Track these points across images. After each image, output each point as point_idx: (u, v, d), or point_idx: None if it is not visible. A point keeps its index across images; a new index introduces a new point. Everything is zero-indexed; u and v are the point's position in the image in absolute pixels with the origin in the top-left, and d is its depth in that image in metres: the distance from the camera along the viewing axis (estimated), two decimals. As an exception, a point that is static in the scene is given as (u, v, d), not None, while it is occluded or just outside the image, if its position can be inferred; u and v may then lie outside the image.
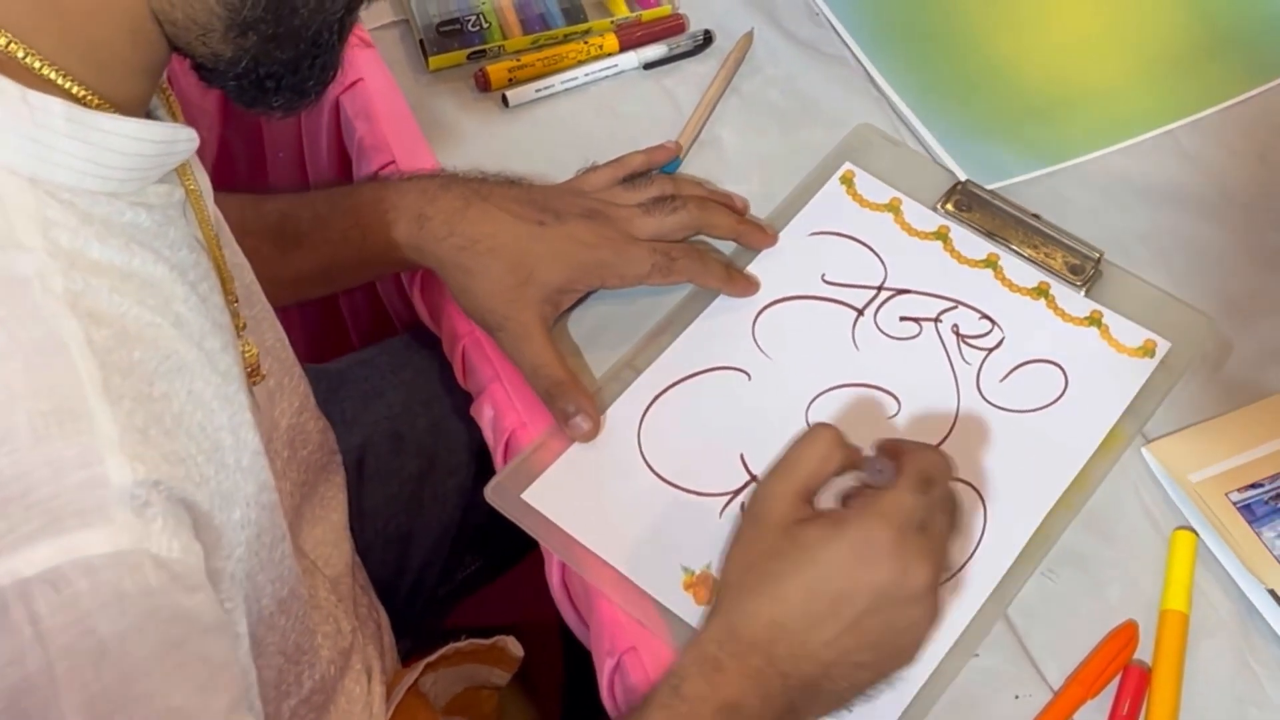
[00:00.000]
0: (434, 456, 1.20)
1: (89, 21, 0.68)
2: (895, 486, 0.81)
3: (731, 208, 1.07)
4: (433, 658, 1.11)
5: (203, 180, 0.80)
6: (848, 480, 0.85)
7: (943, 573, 0.82)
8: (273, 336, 0.96)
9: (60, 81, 0.67)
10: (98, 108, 0.68)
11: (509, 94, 1.14)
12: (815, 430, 0.84)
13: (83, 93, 0.68)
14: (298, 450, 1.02)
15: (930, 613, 0.81)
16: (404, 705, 1.07)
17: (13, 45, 0.65)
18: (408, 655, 1.13)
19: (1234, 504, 0.95)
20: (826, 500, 0.85)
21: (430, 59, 1.15)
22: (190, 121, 1.29)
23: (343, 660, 0.99)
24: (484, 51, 1.16)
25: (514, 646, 1.13)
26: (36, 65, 0.66)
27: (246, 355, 0.84)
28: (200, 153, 1.33)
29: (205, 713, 0.64)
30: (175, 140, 0.72)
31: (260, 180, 1.32)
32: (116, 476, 0.61)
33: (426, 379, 1.21)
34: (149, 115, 0.77)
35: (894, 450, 0.85)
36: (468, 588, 1.28)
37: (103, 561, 0.60)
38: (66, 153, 0.66)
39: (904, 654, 0.82)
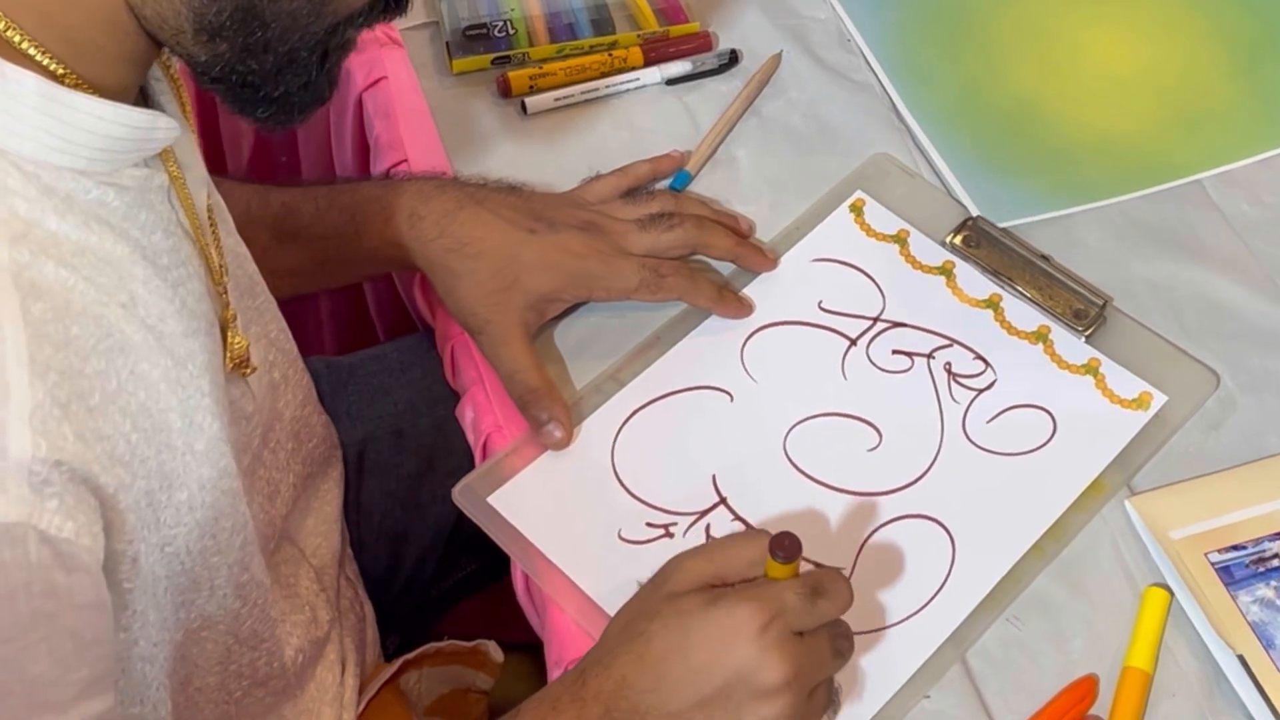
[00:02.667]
0: (433, 456, 1.20)
1: (67, 8, 0.69)
2: (783, 582, 0.79)
3: (734, 229, 1.06)
4: (411, 655, 1.12)
5: (193, 169, 0.81)
6: None
7: (803, 683, 0.78)
8: (276, 329, 0.97)
9: (39, 58, 0.68)
10: (75, 87, 0.69)
11: (528, 101, 1.14)
12: (752, 534, 0.82)
13: (61, 71, 0.69)
14: (303, 443, 1.03)
15: (780, 717, 0.78)
16: (379, 700, 1.08)
17: None
18: (395, 652, 1.14)
19: (1213, 564, 0.92)
20: None
21: (454, 62, 1.16)
22: (228, 116, 1.33)
23: (314, 650, 0.99)
24: (508, 58, 1.16)
25: (495, 652, 1.14)
26: (16, 39, 0.68)
27: (234, 346, 0.85)
28: (237, 144, 1.36)
29: (60, 685, 0.65)
30: (153, 127, 0.73)
31: (295, 174, 1.33)
32: (16, 450, 0.62)
33: (434, 379, 1.21)
34: (146, 102, 0.78)
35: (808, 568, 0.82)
36: (464, 590, 1.28)
37: None
38: (35, 126, 0.68)
39: None
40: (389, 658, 1.14)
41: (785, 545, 0.78)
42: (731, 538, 0.83)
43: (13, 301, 0.64)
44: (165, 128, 0.74)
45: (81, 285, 0.68)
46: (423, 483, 1.21)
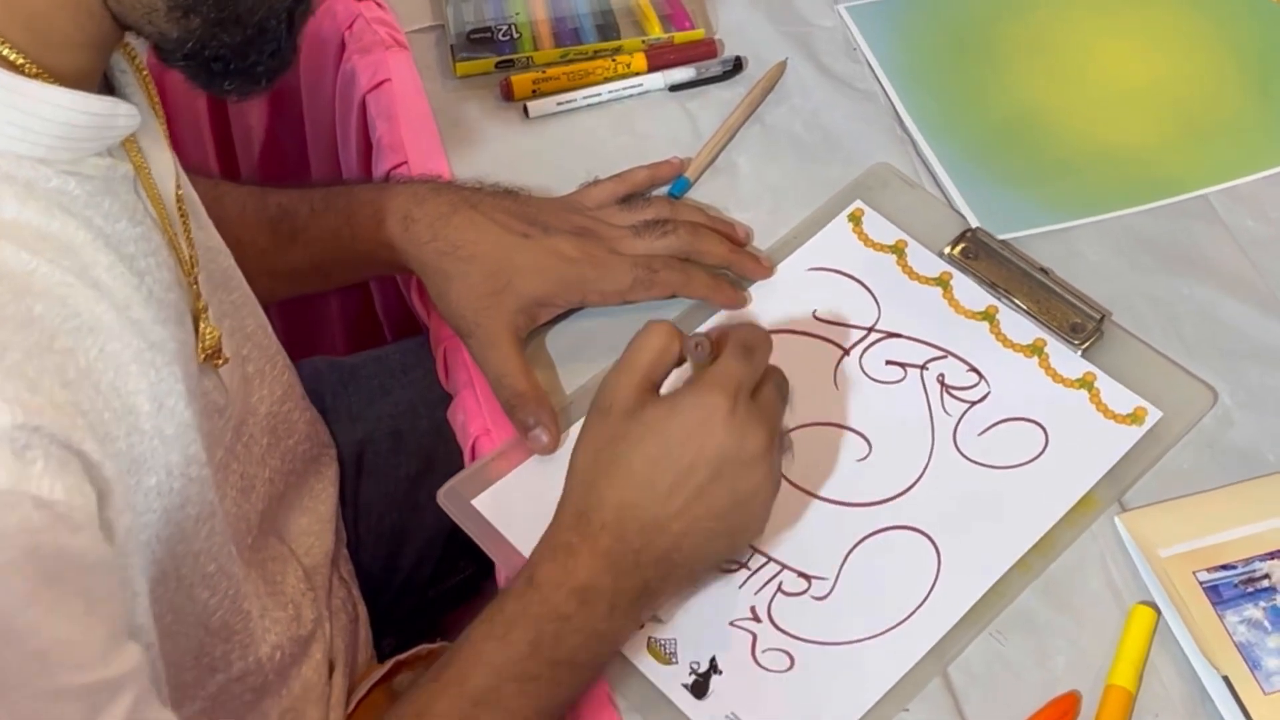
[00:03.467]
0: (433, 458, 1.20)
1: None
2: (719, 359, 0.85)
3: (731, 236, 1.06)
4: (404, 656, 1.12)
5: (159, 159, 0.81)
6: (687, 372, 0.88)
7: (776, 436, 0.85)
8: (253, 323, 0.97)
9: None
10: (35, 76, 0.70)
11: (529, 105, 1.14)
12: (651, 324, 0.87)
13: (20, 60, 0.69)
14: (281, 439, 1.03)
15: (769, 477, 0.84)
16: (370, 701, 1.08)
17: None
18: (391, 654, 1.14)
19: (1201, 583, 0.91)
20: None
21: (457, 64, 1.16)
22: (239, 112, 1.34)
23: (297, 648, 0.99)
24: (512, 61, 1.17)
25: (487, 655, 1.13)
26: None
27: (206, 336, 0.85)
28: (248, 142, 1.36)
29: (85, 645, 0.66)
30: (114, 115, 0.73)
31: (304, 173, 1.34)
32: None
33: (435, 380, 1.20)
34: (111, 92, 0.79)
35: (716, 334, 0.87)
36: (462, 593, 1.28)
37: None
38: None
39: (751, 523, 0.86)
40: (384, 659, 1.14)
41: (700, 352, 0.86)
42: (635, 342, 0.87)
43: None
44: (126, 114, 0.74)
45: (45, 268, 0.68)
46: (421, 484, 1.21)
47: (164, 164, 0.82)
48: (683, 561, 0.84)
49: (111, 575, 0.70)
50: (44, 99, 0.69)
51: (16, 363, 0.64)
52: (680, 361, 0.87)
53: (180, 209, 0.84)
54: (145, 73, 0.83)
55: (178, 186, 0.84)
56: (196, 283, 0.85)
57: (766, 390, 0.86)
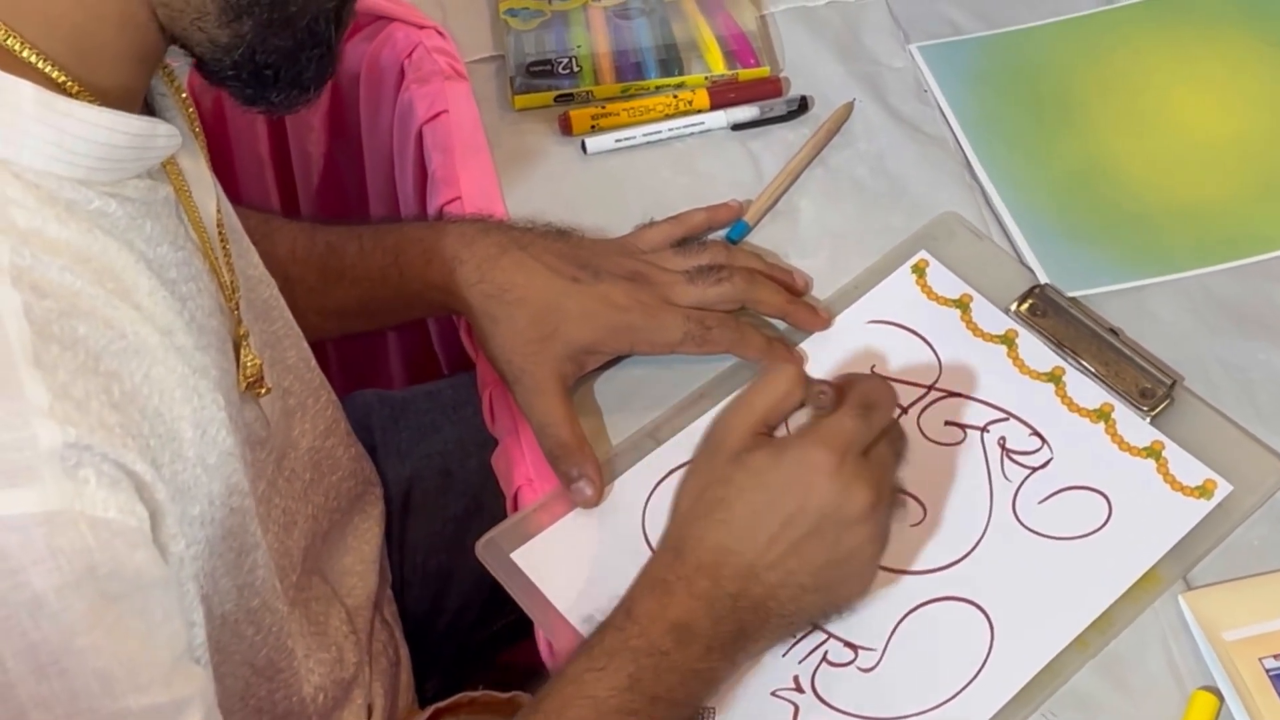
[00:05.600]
0: (481, 498, 1.18)
1: (76, 6, 0.68)
2: (836, 412, 0.83)
3: (789, 285, 1.03)
4: (444, 703, 1.10)
5: (200, 182, 0.80)
6: (804, 416, 0.87)
7: (884, 499, 0.83)
8: (295, 355, 0.95)
9: (39, 65, 0.68)
10: (76, 95, 0.69)
11: (588, 141, 1.12)
12: (777, 367, 0.87)
13: (62, 78, 0.69)
14: (325, 475, 1.01)
15: (874, 538, 0.83)
16: (409, 746, 1.06)
17: None
18: (434, 698, 1.11)
19: (1267, 670, 0.87)
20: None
21: (516, 97, 1.14)
22: (298, 140, 1.32)
23: (339, 691, 0.98)
24: (571, 95, 1.14)
25: (530, 705, 1.11)
26: (15, 47, 0.67)
27: (248, 365, 0.84)
28: (307, 172, 1.35)
29: (148, 666, 0.65)
30: (153, 135, 0.72)
31: (363, 203, 1.32)
32: (46, 438, 0.62)
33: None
34: (150, 110, 0.77)
35: (842, 383, 0.86)
36: (507, 638, 1.26)
37: (31, 520, 0.61)
38: (34, 136, 0.67)
39: (850, 581, 0.85)
40: (426, 703, 1.12)
41: (823, 399, 0.84)
42: (757, 383, 0.86)
43: (15, 302, 0.63)
44: (166, 134, 0.73)
45: (90, 289, 0.67)
46: (469, 525, 1.18)
47: (205, 188, 0.81)
48: (779, 611, 0.83)
49: (170, 595, 0.69)
50: (84, 118, 0.68)
51: (64, 383, 0.64)
52: (800, 405, 0.86)
53: (221, 234, 0.82)
54: (185, 95, 0.82)
55: (218, 211, 0.82)
56: (238, 309, 0.83)
57: (880, 448, 0.85)
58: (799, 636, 0.88)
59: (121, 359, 0.68)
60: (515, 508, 0.97)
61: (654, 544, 0.92)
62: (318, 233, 1.04)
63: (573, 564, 0.92)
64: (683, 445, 0.96)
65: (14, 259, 0.64)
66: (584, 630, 0.89)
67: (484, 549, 0.93)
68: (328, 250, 1.03)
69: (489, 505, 1.18)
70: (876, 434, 0.84)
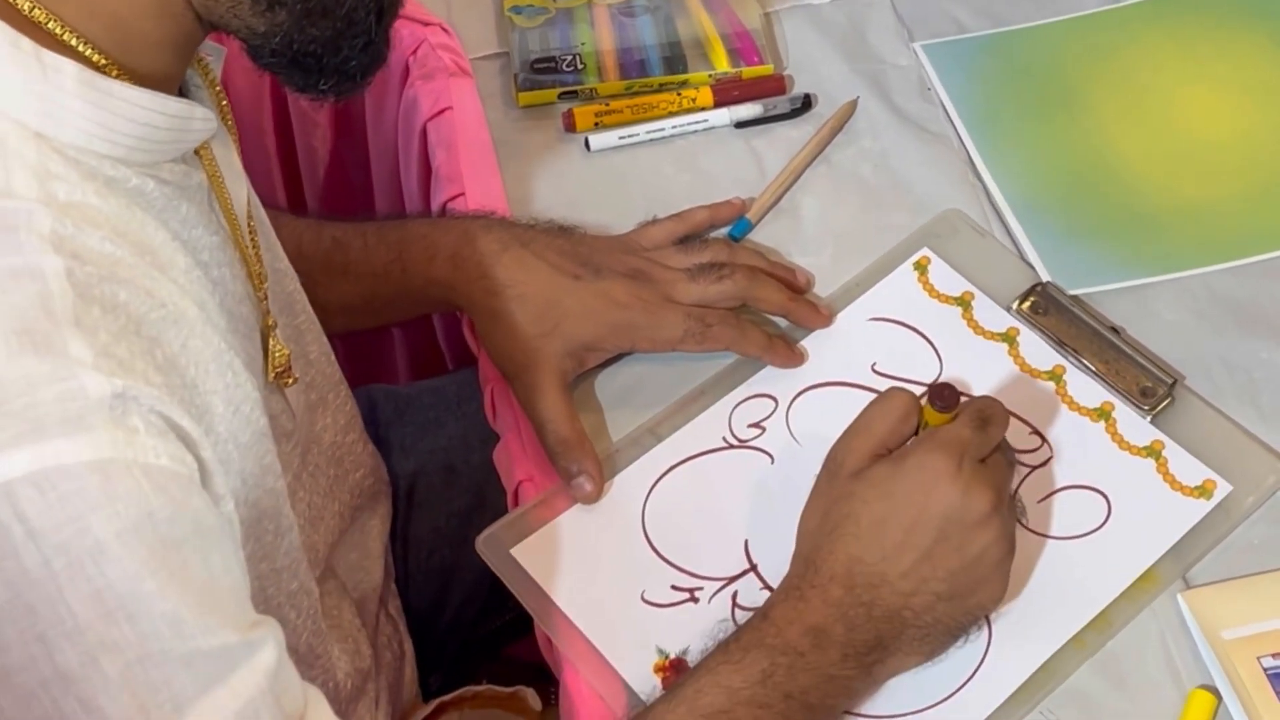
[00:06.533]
0: (485, 493, 1.18)
1: None
2: (954, 422, 0.85)
3: (791, 283, 1.03)
4: (448, 697, 1.10)
5: (232, 172, 0.80)
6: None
7: (1005, 502, 0.84)
8: (317, 350, 0.96)
9: (79, 48, 0.69)
10: (116, 76, 0.70)
11: (591, 138, 1.12)
12: (893, 392, 0.87)
13: (102, 60, 0.69)
14: (348, 472, 1.01)
15: (1000, 539, 0.83)
16: (414, 741, 1.07)
17: (36, 10, 0.68)
18: (438, 693, 1.12)
19: (1265, 670, 0.87)
20: None
21: (520, 94, 1.14)
22: (304, 134, 1.33)
23: (360, 681, 0.98)
24: (575, 92, 1.14)
25: (533, 699, 1.12)
26: (57, 30, 0.68)
27: (276, 354, 0.84)
28: (312, 165, 1.35)
29: (215, 610, 0.65)
30: (190, 118, 0.73)
31: (368, 198, 1.32)
32: (94, 388, 0.62)
33: (490, 415, 1.19)
34: (183, 96, 0.78)
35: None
36: (510, 633, 1.26)
37: (86, 468, 0.61)
38: (75, 113, 0.68)
39: (984, 586, 0.84)
40: (429, 697, 1.12)
41: (945, 395, 0.86)
42: (874, 407, 0.87)
43: (57, 265, 0.64)
44: (202, 118, 0.74)
45: (130, 259, 0.68)
46: (473, 520, 1.18)
47: (236, 177, 0.81)
48: (914, 621, 0.83)
49: (228, 544, 0.69)
50: (124, 97, 0.69)
51: (105, 343, 0.64)
52: (917, 431, 0.87)
53: (250, 224, 0.83)
54: (219, 88, 0.82)
55: (248, 202, 0.83)
56: (266, 299, 0.84)
57: (995, 457, 0.86)
58: (942, 656, 0.86)
59: (161, 327, 0.68)
60: (516, 503, 0.97)
61: (653, 540, 0.93)
62: (323, 229, 1.04)
63: (572, 560, 0.93)
64: (682, 442, 0.97)
65: (56, 227, 0.65)
66: (582, 626, 0.89)
67: (484, 544, 0.94)
68: (333, 246, 1.03)
69: (493, 500, 1.18)
70: (991, 446, 0.85)
